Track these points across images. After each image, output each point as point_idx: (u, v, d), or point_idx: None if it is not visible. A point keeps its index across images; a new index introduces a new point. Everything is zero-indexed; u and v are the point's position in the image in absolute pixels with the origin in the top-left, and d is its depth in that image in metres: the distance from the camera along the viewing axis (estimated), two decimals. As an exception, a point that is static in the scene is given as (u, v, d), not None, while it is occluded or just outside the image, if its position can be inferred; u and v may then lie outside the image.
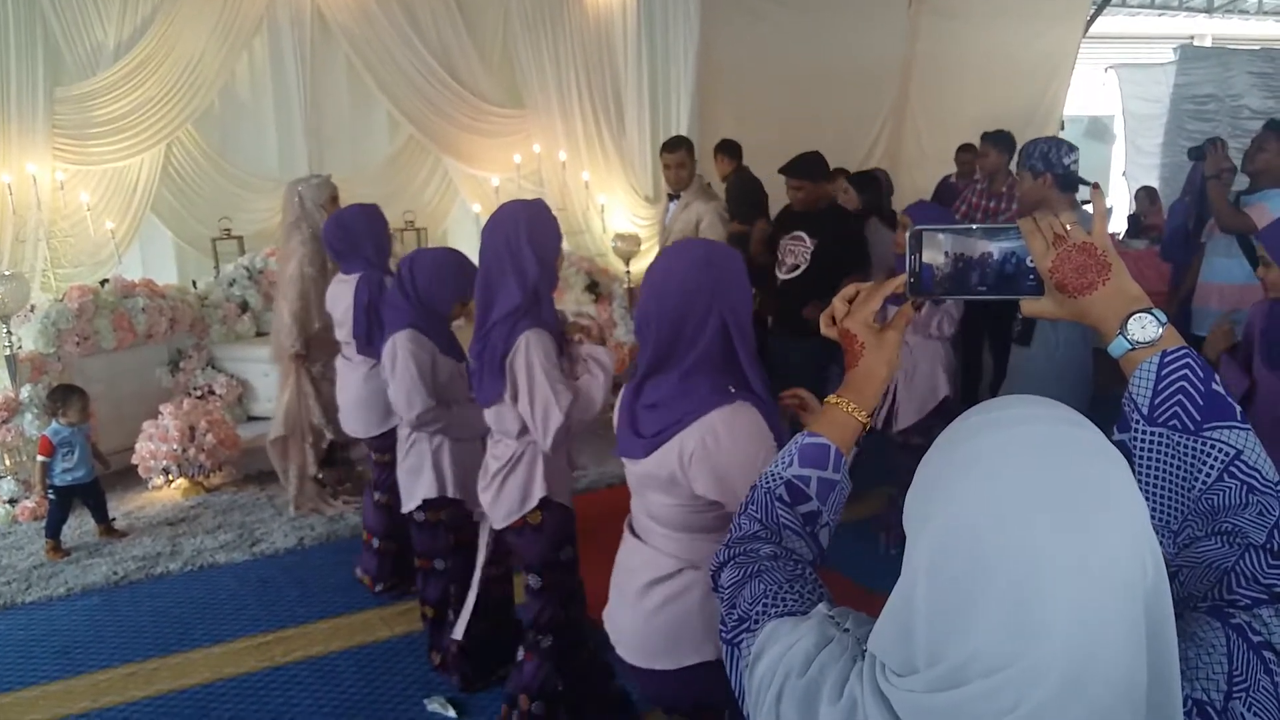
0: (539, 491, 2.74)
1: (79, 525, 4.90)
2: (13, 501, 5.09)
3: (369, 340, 3.89)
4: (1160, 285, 6.56)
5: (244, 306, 6.35)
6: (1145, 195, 8.93)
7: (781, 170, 4.90)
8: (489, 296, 2.66)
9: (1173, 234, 5.87)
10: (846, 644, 0.94)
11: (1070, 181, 3.67)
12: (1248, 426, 1.05)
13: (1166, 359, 1.08)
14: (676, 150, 5.59)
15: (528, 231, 2.63)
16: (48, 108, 6.02)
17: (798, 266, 4.75)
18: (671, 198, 5.69)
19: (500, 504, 2.79)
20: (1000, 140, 5.87)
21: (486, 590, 3.32)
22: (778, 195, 6.86)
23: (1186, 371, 1.07)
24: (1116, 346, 1.12)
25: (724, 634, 1.11)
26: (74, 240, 6.17)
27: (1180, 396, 1.07)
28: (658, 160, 7.07)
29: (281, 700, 3.43)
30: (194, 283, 6.57)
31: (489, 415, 2.77)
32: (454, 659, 3.41)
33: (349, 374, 4.04)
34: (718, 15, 7.84)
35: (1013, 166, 5.98)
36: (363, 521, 4.31)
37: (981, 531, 0.76)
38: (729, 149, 6.64)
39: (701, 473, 1.82)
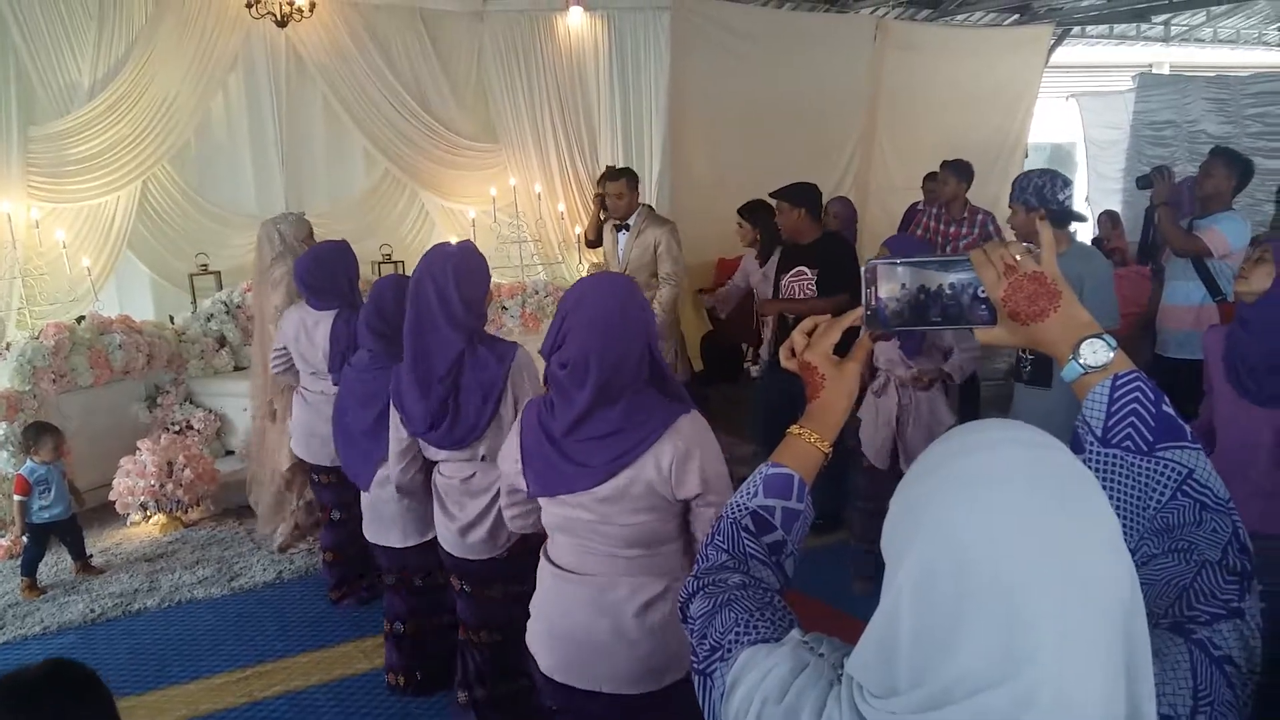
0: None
1: (55, 563, 4.88)
2: (-13, 540, 5.06)
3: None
4: (1125, 306, 6.70)
5: (221, 341, 6.37)
6: (1108, 219, 9.09)
7: (771, 194, 4.88)
8: (424, 347, 2.70)
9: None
10: (822, 669, 0.94)
11: (1064, 217, 3.70)
12: (1198, 446, 1.09)
13: (1118, 382, 1.12)
14: (618, 180, 5.66)
15: (455, 277, 2.69)
16: (22, 146, 6.02)
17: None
18: (619, 227, 5.76)
19: (501, 532, 2.79)
20: (959, 169, 6.01)
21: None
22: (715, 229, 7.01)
23: (1138, 394, 1.11)
24: (1069, 371, 1.15)
25: (695, 665, 1.11)
26: (50, 278, 6.15)
27: (1133, 418, 1.10)
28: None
29: (261, 735, 3.44)
30: (171, 318, 6.56)
31: (469, 451, 2.80)
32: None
33: (320, 404, 4.08)
34: (688, 49, 7.99)
35: (970, 195, 6.14)
36: (324, 543, 4.43)
37: (969, 552, 0.77)
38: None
39: (686, 475, 1.98)
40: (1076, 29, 11.62)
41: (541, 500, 2.12)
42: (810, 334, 1.39)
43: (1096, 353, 1.13)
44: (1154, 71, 12.80)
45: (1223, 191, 4.69)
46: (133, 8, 6.30)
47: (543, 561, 2.20)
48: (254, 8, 6.14)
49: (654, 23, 7.72)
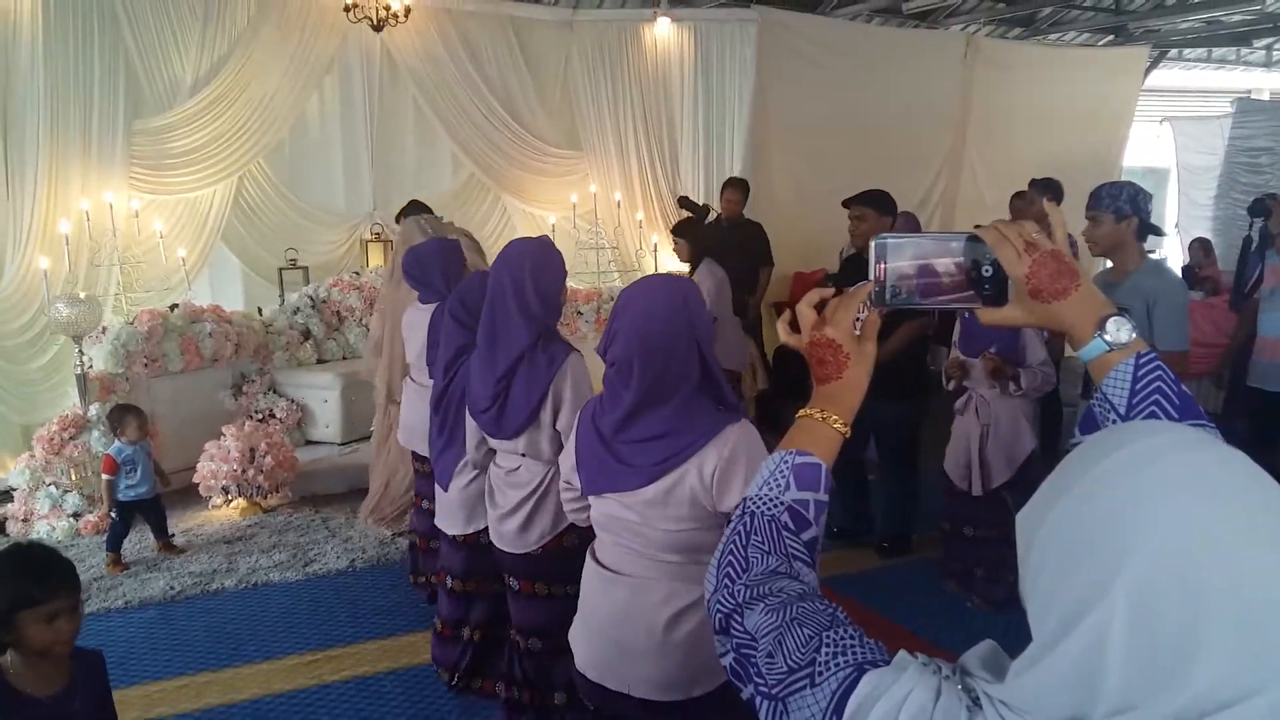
0: None
1: (139, 540, 5.03)
2: (76, 515, 5.24)
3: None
4: (1217, 338, 6.52)
5: (306, 334, 6.54)
6: (1199, 247, 8.85)
7: (845, 202, 4.68)
8: (493, 333, 2.78)
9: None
10: (956, 692, 0.88)
11: (1148, 229, 3.57)
12: (1216, 429, 1.05)
13: (1142, 360, 1.10)
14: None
15: (532, 272, 2.74)
16: (126, 139, 6.26)
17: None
18: None
19: (535, 528, 2.85)
20: (1048, 187, 5.90)
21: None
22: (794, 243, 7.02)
23: (1160, 372, 1.09)
24: (1093, 349, 1.12)
25: (762, 687, 1.00)
26: (146, 266, 6.37)
27: (1157, 396, 1.08)
28: (711, 202, 7.24)
29: (328, 718, 3.49)
30: (259, 310, 6.77)
31: (513, 444, 2.85)
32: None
33: (418, 397, 4.19)
34: (774, 62, 7.98)
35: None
36: (413, 527, 4.48)
37: (1197, 566, 0.72)
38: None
39: (729, 486, 1.94)
40: (1173, 52, 11.35)
41: (591, 498, 2.13)
42: (817, 308, 1.28)
43: (1121, 330, 1.11)
44: (1253, 97, 12.42)
45: None
46: (236, 9, 6.54)
47: (588, 559, 2.21)
48: (351, 12, 6.32)
49: (740, 35, 7.75)
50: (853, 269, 4.78)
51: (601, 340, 2.07)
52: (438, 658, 3.70)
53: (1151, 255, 3.99)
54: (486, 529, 3.32)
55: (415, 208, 5.84)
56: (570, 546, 2.82)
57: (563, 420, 2.76)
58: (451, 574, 3.59)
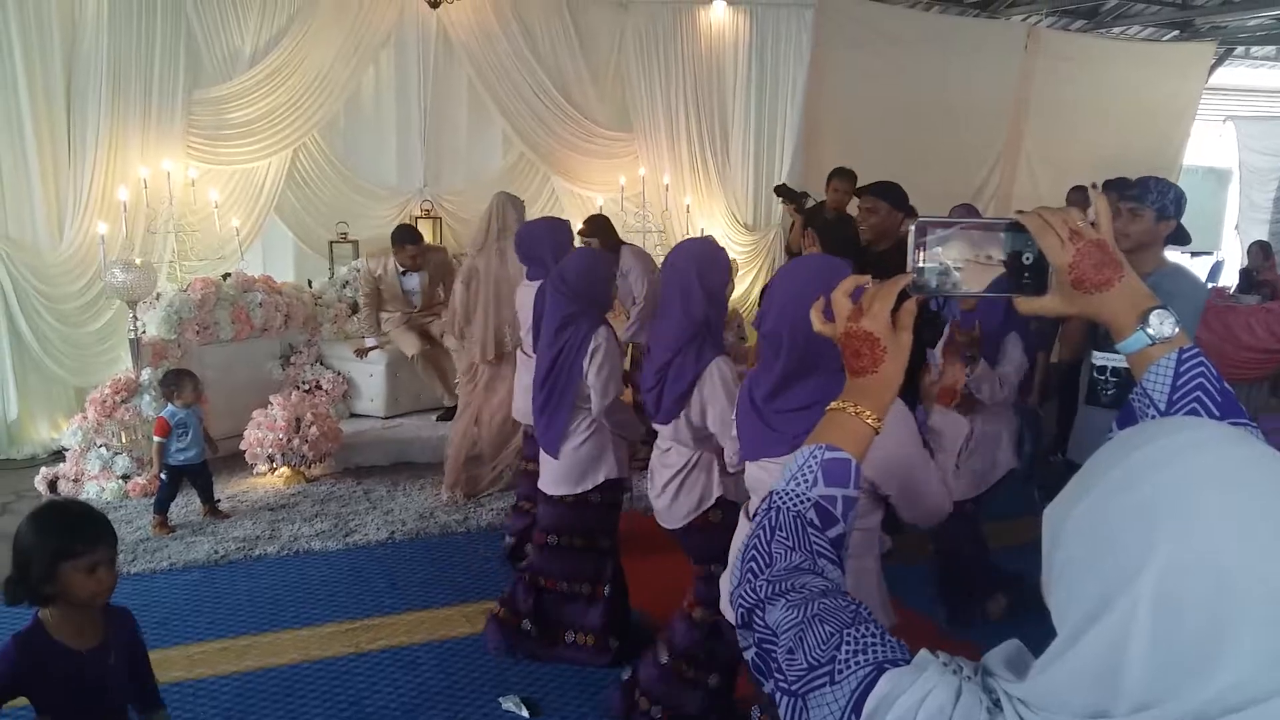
0: (716, 491, 3.06)
1: (185, 504, 5.13)
2: (125, 477, 5.35)
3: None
4: (1273, 343, 6.39)
5: (354, 307, 6.60)
6: (1259, 250, 8.66)
7: (858, 190, 4.58)
8: (663, 329, 3.00)
9: None
10: (976, 693, 0.88)
11: (1176, 236, 3.43)
12: (1258, 428, 1.02)
13: (1184, 355, 1.08)
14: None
15: (697, 270, 2.94)
16: (185, 108, 6.34)
17: None
18: None
19: (679, 505, 3.08)
20: (1121, 188, 5.74)
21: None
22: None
23: (1203, 368, 1.07)
24: (1134, 341, 1.11)
25: (783, 683, 0.99)
26: (201, 235, 6.47)
27: (1199, 392, 1.06)
28: (759, 188, 7.19)
29: (364, 686, 3.55)
30: (309, 282, 6.86)
31: (667, 428, 3.06)
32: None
33: (525, 369, 4.32)
34: (830, 48, 7.90)
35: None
36: (520, 492, 4.70)
37: (1225, 556, 0.72)
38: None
39: (867, 461, 1.94)
40: (1239, 49, 11.08)
41: (747, 462, 2.24)
42: (851, 297, 1.26)
43: (1164, 323, 1.09)
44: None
45: None
46: (295, -19, 6.58)
47: (741, 517, 2.32)
48: (408, -14, 6.34)
49: (797, 19, 7.67)
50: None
51: (758, 314, 2.20)
52: (515, 602, 3.80)
53: (1174, 260, 3.80)
54: (593, 490, 3.59)
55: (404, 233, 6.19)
56: (716, 522, 3.05)
57: (712, 422, 2.94)
58: (548, 531, 3.73)
